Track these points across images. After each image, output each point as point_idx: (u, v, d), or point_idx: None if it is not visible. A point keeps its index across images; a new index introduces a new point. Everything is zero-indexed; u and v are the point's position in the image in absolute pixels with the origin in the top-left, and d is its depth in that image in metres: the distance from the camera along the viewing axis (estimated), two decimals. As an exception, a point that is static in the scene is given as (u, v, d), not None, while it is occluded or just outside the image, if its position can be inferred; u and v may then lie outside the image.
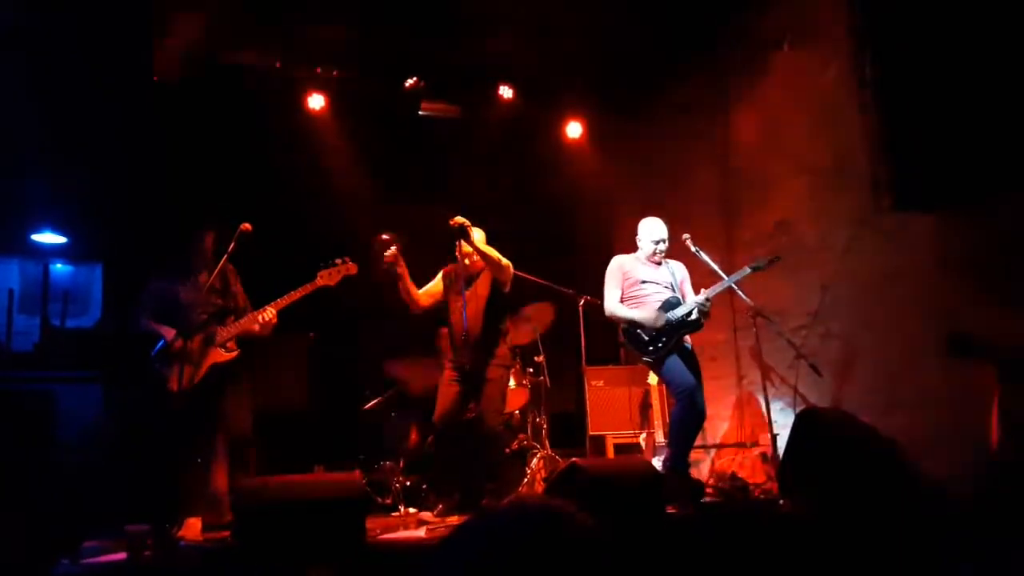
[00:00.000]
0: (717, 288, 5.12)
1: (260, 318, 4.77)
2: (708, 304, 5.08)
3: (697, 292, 5.24)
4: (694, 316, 5.06)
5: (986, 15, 4.60)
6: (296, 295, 4.85)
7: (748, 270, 5.14)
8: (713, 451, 6.73)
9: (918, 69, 4.79)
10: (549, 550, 1.07)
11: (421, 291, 5.15)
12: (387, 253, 4.84)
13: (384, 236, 4.85)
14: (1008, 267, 4.41)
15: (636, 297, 5.29)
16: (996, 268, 4.48)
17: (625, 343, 5.31)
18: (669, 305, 5.16)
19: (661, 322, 5.06)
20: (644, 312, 5.15)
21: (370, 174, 7.38)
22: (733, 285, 5.22)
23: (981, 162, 4.53)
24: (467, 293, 5.00)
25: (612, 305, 5.32)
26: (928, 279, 4.89)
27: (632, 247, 5.55)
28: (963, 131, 4.58)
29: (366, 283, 5.16)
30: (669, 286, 5.31)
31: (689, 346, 5.21)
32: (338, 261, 5.00)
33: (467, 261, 5.04)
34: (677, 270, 5.44)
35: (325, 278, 4.94)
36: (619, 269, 5.40)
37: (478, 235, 5.05)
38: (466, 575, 1.07)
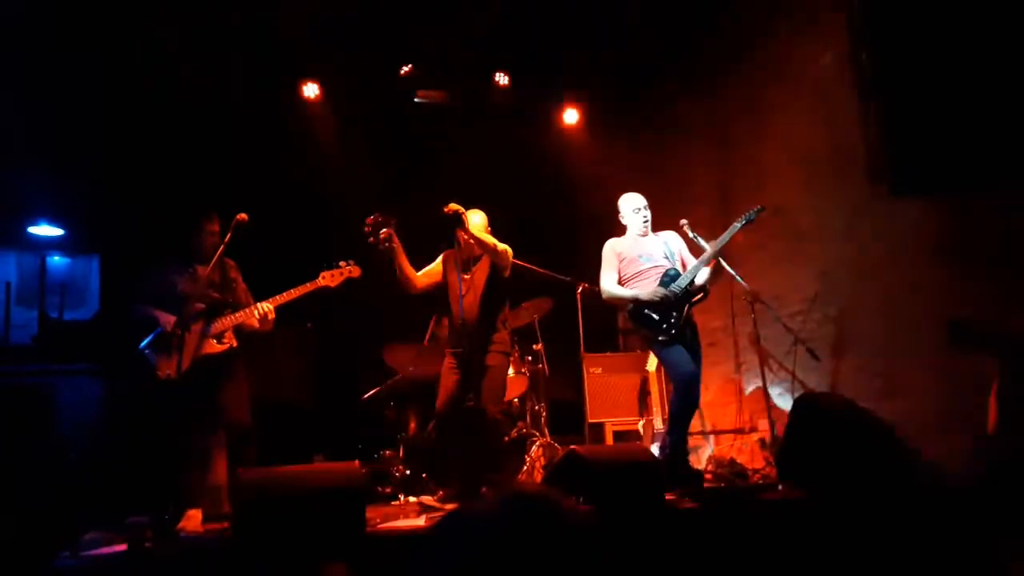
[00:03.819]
0: (712, 249, 5.07)
1: (257, 312, 4.77)
2: (708, 266, 5.08)
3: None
4: (696, 283, 5.05)
5: (986, 3, 4.59)
6: (295, 293, 4.84)
7: (738, 226, 5.09)
8: (712, 437, 6.75)
9: (915, 55, 4.77)
10: (539, 539, 1.07)
11: (420, 272, 5.13)
12: (382, 232, 4.80)
13: (376, 217, 4.81)
14: (1005, 253, 4.41)
15: (637, 275, 5.22)
16: (993, 254, 4.48)
17: (634, 327, 5.21)
18: (669, 278, 5.11)
19: (661, 295, 4.99)
20: (645, 289, 5.09)
21: (365, 162, 7.36)
22: (730, 270, 5.22)
23: (978, 148, 4.52)
24: (465, 278, 4.99)
25: (610, 287, 5.25)
26: (925, 265, 4.89)
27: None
28: (961, 117, 4.57)
29: (365, 273, 5.15)
30: (666, 256, 5.25)
31: (695, 333, 5.17)
32: (342, 263, 4.98)
33: (466, 239, 5.02)
34: (671, 240, 5.37)
35: (327, 279, 4.92)
36: (612, 251, 5.33)
37: (478, 218, 5.02)
38: (458, 563, 1.07)
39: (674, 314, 5.00)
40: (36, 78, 6.15)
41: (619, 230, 5.51)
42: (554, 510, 1.12)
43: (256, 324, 4.86)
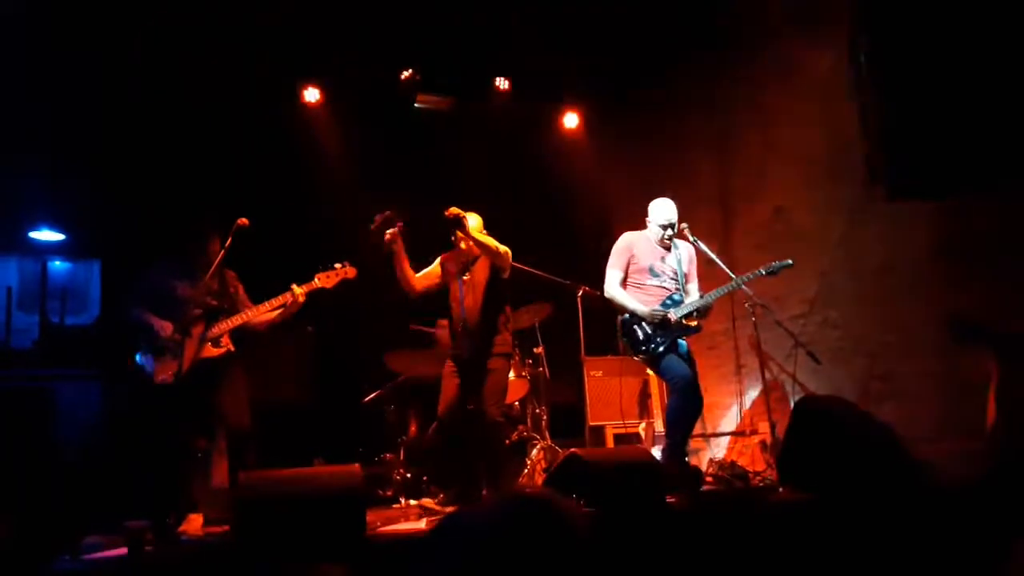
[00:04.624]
0: (721, 291, 5.09)
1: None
2: (709, 307, 5.08)
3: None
4: (694, 319, 5.04)
5: (984, 4, 4.59)
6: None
7: (761, 272, 5.06)
8: (712, 440, 6.74)
9: (915, 59, 4.78)
10: (538, 541, 1.07)
11: (418, 275, 5.13)
12: (388, 231, 4.80)
13: (387, 213, 4.80)
14: (1004, 254, 4.41)
15: (639, 285, 5.20)
16: (992, 255, 4.48)
17: (620, 335, 5.24)
18: (673, 302, 5.10)
19: (659, 317, 4.98)
20: (645, 307, 5.07)
21: (366, 167, 7.36)
22: (721, 264, 5.21)
23: (977, 150, 4.53)
24: (465, 280, 4.99)
25: (613, 288, 5.21)
26: (925, 266, 4.90)
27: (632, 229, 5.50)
28: (959, 119, 4.58)
29: (366, 276, 5.15)
30: (675, 276, 5.22)
31: (685, 347, 5.14)
32: (337, 265, 4.99)
33: (463, 246, 5.02)
34: (685, 254, 5.32)
35: (323, 280, 4.93)
36: (627, 249, 5.26)
37: (474, 221, 5.01)
38: (457, 565, 1.07)
39: (659, 338, 5.00)
40: (36, 79, 6.15)
41: (620, 229, 5.49)
42: (553, 512, 1.12)
43: (270, 318, 4.86)
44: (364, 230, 4.78)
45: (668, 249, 5.30)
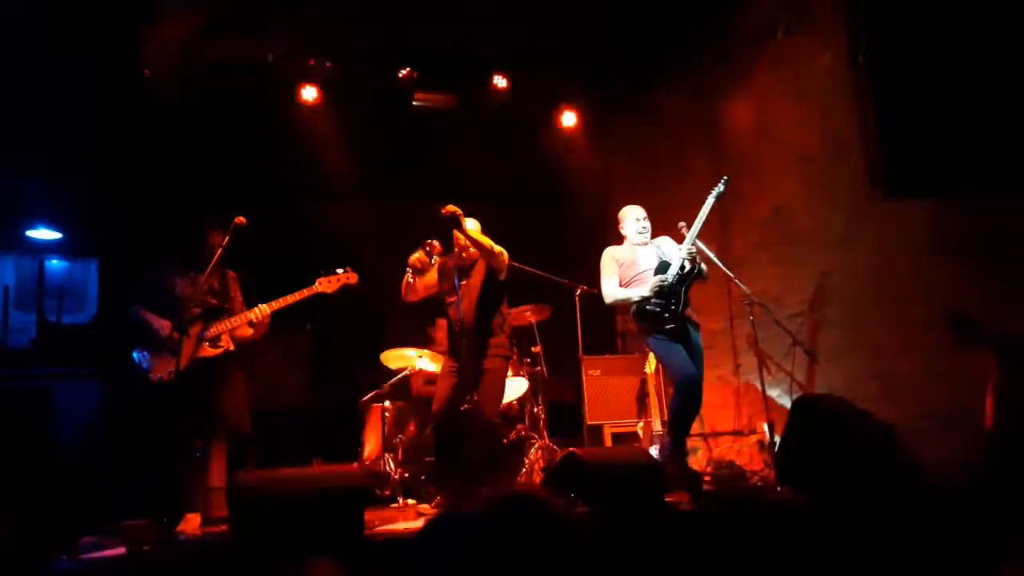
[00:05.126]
0: (695, 230, 5.11)
1: (252, 317, 4.78)
2: (693, 250, 5.11)
3: None
4: (687, 266, 5.07)
5: (984, 4, 4.60)
6: (291, 299, 4.84)
7: (712, 199, 5.16)
8: (711, 439, 6.74)
9: (913, 58, 4.78)
10: (528, 538, 1.07)
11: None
12: (414, 257, 4.83)
13: (433, 242, 4.86)
14: (1002, 254, 4.41)
15: (636, 277, 5.27)
16: (990, 255, 4.48)
17: (639, 326, 5.25)
18: (663, 267, 5.17)
19: (658, 281, 5.05)
20: (645, 286, 5.14)
21: (363, 165, 7.36)
22: (728, 272, 5.22)
23: (975, 150, 4.53)
24: (462, 283, 4.99)
25: (613, 291, 5.30)
26: (923, 266, 4.89)
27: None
28: (958, 119, 4.58)
29: (363, 277, 5.14)
30: (659, 259, 5.31)
31: (697, 335, 5.19)
32: (339, 270, 4.98)
33: (463, 254, 5.02)
34: (663, 245, 5.43)
35: (324, 285, 4.92)
36: (612, 258, 5.40)
37: (472, 224, 5.02)
38: (449, 563, 1.07)
39: (673, 300, 5.06)
40: (36, 79, 6.14)
41: (615, 234, 5.53)
42: (543, 510, 1.12)
43: (249, 332, 4.87)
44: (365, 232, 4.78)
45: (646, 246, 5.42)
